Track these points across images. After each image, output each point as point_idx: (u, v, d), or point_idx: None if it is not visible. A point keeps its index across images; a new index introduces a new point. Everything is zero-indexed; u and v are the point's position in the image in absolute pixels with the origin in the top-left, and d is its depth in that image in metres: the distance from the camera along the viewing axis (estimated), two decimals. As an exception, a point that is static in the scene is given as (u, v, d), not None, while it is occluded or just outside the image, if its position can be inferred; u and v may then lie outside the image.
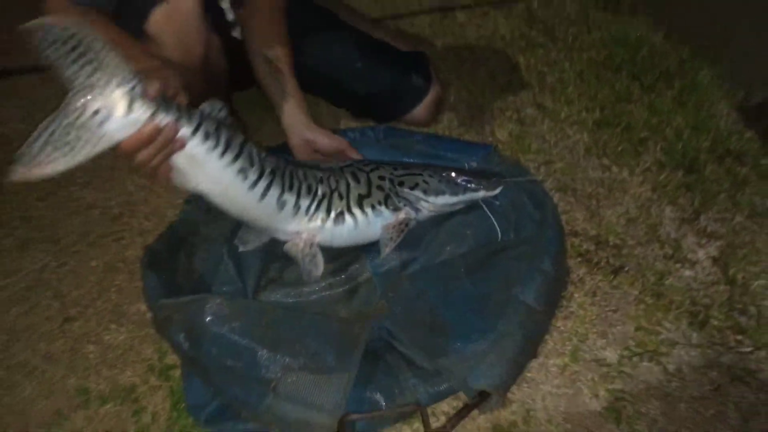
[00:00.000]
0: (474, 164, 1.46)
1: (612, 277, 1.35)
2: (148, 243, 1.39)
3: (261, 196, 1.09)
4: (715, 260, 1.41)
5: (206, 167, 0.99)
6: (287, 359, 1.01)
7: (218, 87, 1.42)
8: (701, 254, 1.42)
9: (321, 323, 1.11)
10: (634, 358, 1.19)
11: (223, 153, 1.00)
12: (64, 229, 1.54)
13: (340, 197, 1.22)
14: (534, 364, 1.18)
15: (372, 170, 1.29)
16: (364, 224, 1.25)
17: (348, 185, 1.24)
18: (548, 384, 1.14)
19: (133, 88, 0.87)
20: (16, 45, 2.23)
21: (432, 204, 1.29)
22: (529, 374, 1.16)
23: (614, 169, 1.62)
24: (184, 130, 0.95)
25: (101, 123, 0.87)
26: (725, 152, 1.67)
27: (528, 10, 2.19)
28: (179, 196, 1.57)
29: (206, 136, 0.97)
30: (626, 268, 1.37)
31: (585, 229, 1.46)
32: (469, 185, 1.29)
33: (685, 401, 1.12)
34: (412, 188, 1.27)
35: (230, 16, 1.40)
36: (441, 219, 1.35)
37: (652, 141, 1.69)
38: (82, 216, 1.58)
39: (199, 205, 1.41)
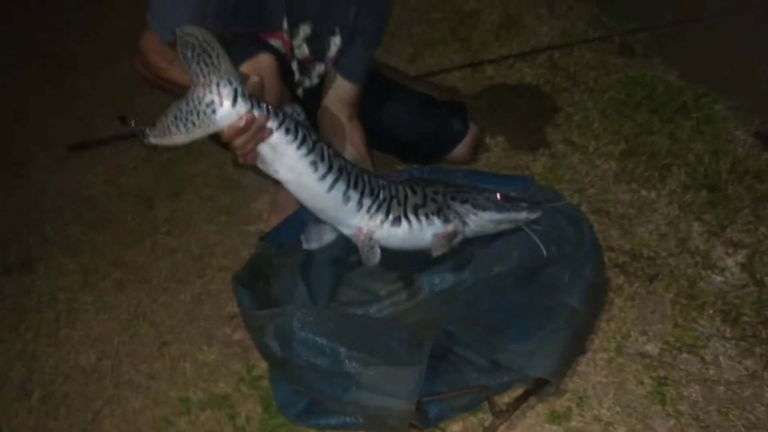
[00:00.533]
0: (514, 194, 1.62)
1: (648, 283, 1.48)
2: (228, 277, 1.57)
3: (329, 187, 1.26)
4: (743, 266, 1.53)
5: (285, 156, 1.21)
6: (365, 355, 1.17)
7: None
8: (729, 262, 1.55)
9: (391, 327, 1.27)
10: (674, 351, 1.31)
11: (300, 146, 1.21)
12: (154, 271, 1.75)
13: (399, 203, 1.37)
14: (582, 359, 1.31)
15: (428, 185, 1.43)
16: (417, 230, 1.38)
17: (406, 195, 1.38)
18: (597, 375, 1.27)
19: (237, 87, 1.12)
20: (94, 120, 2.54)
21: (479, 218, 1.42)
22: (579, 368, 1.29)
23: (642, 192, 1.78)
24: (271, 123, 1.17)
25: (213, 111, 1.12)
26: (744, 172, 1.81)
27: (550, 60, 2.40)
28: (252, 237, 1.77)
29: (287, 131, 1.19)
30: (660, 276, 1.51)
31: (620, 245, 1.61)
32: (513, 206, 1.44)
33: (723, 385, 1.23)
34: (462, 202, 1.41)
35: (297, 75, 1.63)
36: (487, 241, 1.52)
37: (675, 166, 1.85)
38: (168, 259, 1.79)
39: (272, 242, 1.61)
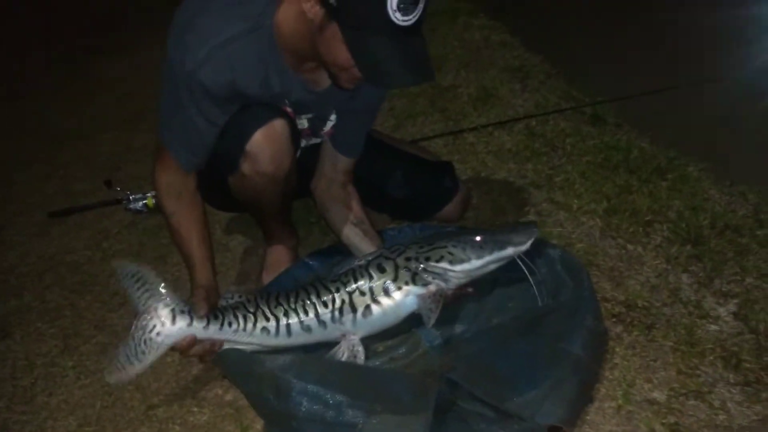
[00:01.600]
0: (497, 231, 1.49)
1: (647, 332, 1.49)
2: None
3: (287, 334, 1.34)
4: (735, 315, 1.55)
5: (239, 341, 1.32)
6: (369, 404, 1.13)
7: (290, 196, 1.65)
8: (722, 311, 1.57)
9: (394, 375, 1.23)
10: (681, 397, 1.29)
11: (245, 326, 1.31)
12: (138, 333, 1.68)
13: (362, 293, 1.35)
14: (590, 408, 1.28)
15: (399, 254, 1.39)
16: (394, 308, 1.36)
17: (371, 278, 1.36)
18: (608, 424, 1.24)
19: (174, 307, 1.25)
20: (77, 188, 2.52)
21: (461, 272, 1.36)
22: (588, 417, 1.26)
23: (629, 246, 1.81)
24: (213, 328, 1.29)
25: (157, 334, 1.24)
26: (724, 227, 1.87)
27: (528, 128, 2.50)
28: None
29: (229, 324, 1.30)
30: (657, 325, 1.51)
31: (614, 296, 1.62)
32: (496, 245, 1.36)
33: (736, 430, 1.21)
34: (438, 260, 1.35)
35: (301, 126, 1.65)
36: (483, 293, 1.51)
37: (657, 222, 1.90)
38: (154, 321, 1.72)
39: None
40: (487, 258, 1.36)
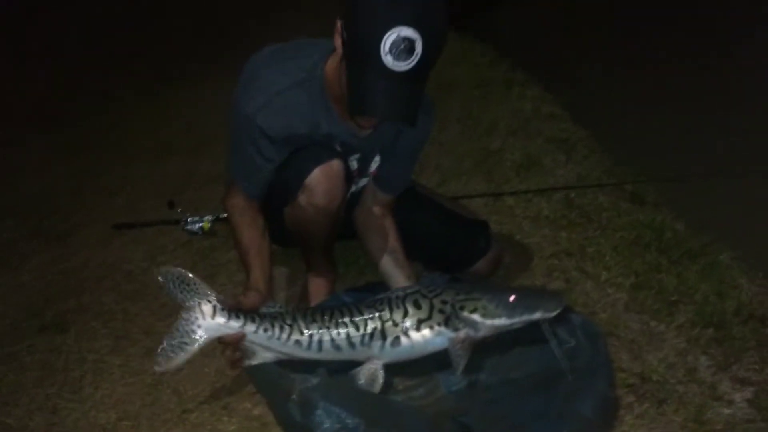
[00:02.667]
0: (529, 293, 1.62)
1: (657, 406, 1.54)
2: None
3: (318, 349, 1.44)
4: (750, 402, 1.59)
5: (272, 348, 1.43)
6: (385, 431, 1.22)
7: (336, 231, 1.79)
8: (737, 396, 1.61)
9: (412, 411, 1.33)
10: (686, 470, 1.34)
11: (279, 335, 1.42)
12: (181, 343, 1.82)
13: (395, 324, 1.46)
14: (593, 469, 1.34)
15: (435, 296, 1.50)
16: (422, 344, 1.47)
17: (406, 312, 1.47)
18: (608, 486, 1.30)
19: (216, 304, 1.37)
20: (141, 206, 2.73)
21: (490, 326, 1.46)
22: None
23: (652, 323, 1.87)
24: (249, 329, 1.40)
25: (198, 326, 1.37)
26: (749, 316, 1.91)
27: (566, 198, 2.61)
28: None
29: (265, 330, 1.41)
30: (669, 401, 1.57)
31: (630, 367, 1.68)
32: (526, 309, 1.46)
33: None
34: (471, 312, 1.46)
35: (352, 167, 1.77)
36: (505, 348, 1.60)
37: (682, 303, 1.96)
38: (196, 334, 1.87)
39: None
40: (516, 319, 1.46)
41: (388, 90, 1.31)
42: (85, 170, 3.08)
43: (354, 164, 1.75)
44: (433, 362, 1.55)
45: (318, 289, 1.92)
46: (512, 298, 1.48)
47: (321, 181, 1.58)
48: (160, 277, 1.37)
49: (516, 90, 4.28)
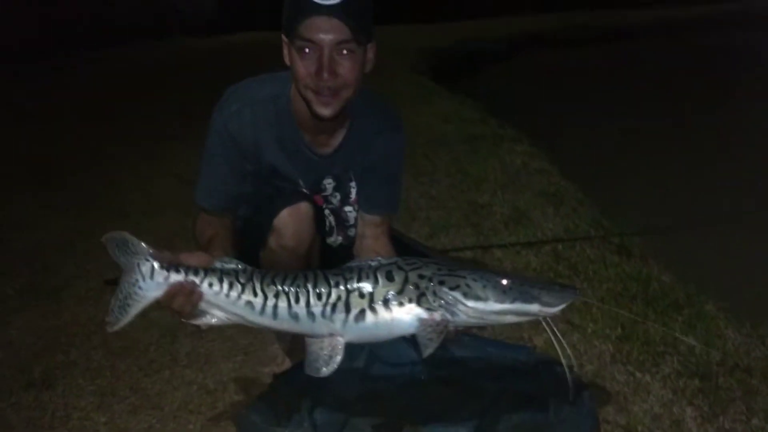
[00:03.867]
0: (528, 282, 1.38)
1: (643, 458, 1.53)
2: (240, 412, 1.64)
3: (273, 316, 1.33)
4: (737, 453, 1.59)
5: (220, 305, 1.34)
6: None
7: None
8: (724, 448, 1.61)
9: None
10: None
11: (228, 292, 1.32)
12: (168, 399, 1.82)
13: (361, 296, 1.30)
14: None
15: (414, 269, 1.33)
16: (388, 322, 1.31)
17: (375, 283, 1.31)
18: None
19: (153, 262, 1.32)
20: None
21: (471, 309, 1.28)
22: None
23: (637, 374, 1.88)
24: (195, 282, 1.32)
25: (140, 288, 1.33)
26: (735, 366, 1.92)
27: (554, 251, 2.65)
28: (266, 378, 1.86)
29: (210, 285, 1.32)
30: (655, 453, 1.56)
31: (615, 419, 1.68)
32: (521, 296, 1.27)
33: None
34: (452, 289, 1.28)
35: (328, 223, 1.81)
36: (490, 399, 1.60)
37: (668, 354, 1.97)
38: (183, 389, 1.87)
39: (285, 383, 1.70)
40: (507, 305, 1.29)
41: (321, 13, 1.39)
42: (77, 227, 3.11)
43: (337, 197, 1.76)
44: (421, 414, 1.53)
45: (302, 344, 1.92)
46: (505, 282, 1.30)
47: (288, 222, 1.62)
48: (103, 241, 1.33)
49: (505, 146, 4.41)
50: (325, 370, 1.34)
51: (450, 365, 1.70)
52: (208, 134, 1.64)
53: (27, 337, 2.20)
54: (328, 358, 1.33)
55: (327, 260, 1.79)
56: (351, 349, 1.79)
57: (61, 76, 8.68)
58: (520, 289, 1.29)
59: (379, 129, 1.70)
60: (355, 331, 1.33)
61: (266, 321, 1.34)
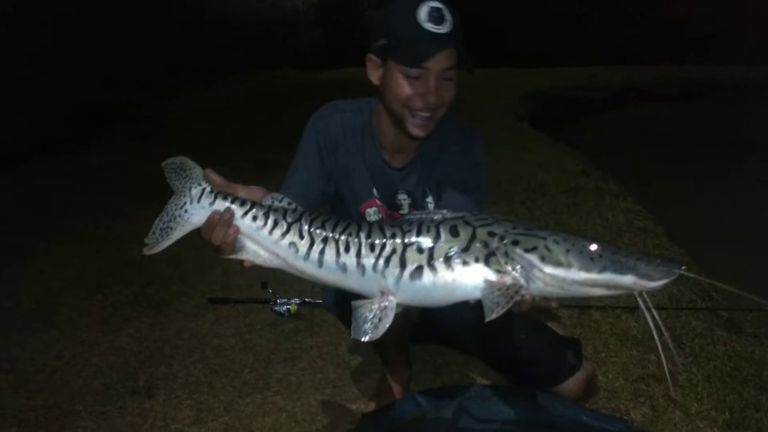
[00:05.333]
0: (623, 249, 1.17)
1: None
2: None
3: (318, 263, 1.23)
4: None
5: (261, 242, 1.26)
6: None
7: (409, 329, 1.82)
8: None
9: None
10: None
11: (272, 230, 1.24)
12: (258, 423, 1.89)
13: (419, 251, 1.18)
14: None
15: (483, 225, 1.18)
16: (449, 283, 1.17)
17: (437, 238, 1.17)
18: None
19: (205, 187, 1.29)
20: (236, 281, 2.89)
21: (550, 276, 1.12)
22: None
23: (747, 467, 1.74)
24: (237, 214, 1.26)
25: (185, 211, 1.30)
26: None
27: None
28: (353, 415, 1.87)
29: (254, 218, 1.25)
30: None
31: None
32: (612, 265, 1.10)
33: None
34: (528, 251, 1.12)
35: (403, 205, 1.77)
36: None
37: (784, 450, 1.81)
38: (273, 415, 1.92)
39: (373, 422, 1.71)
40: (594, 275, 1.12)
41: (437, 42, 1.45)
42: (186, 241, 3.30)
43: (405, 204, 1.75)
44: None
45: (391, 386, 1.93)
46: (594, 247, 1.11)
47: None
48: (163, 165, 1.32)
49: (608, 200, 4.26)
50: (372, 335, 1.21)
51: (541, 430, 1.65)
52: (301, 136, 1.71)
53: (135, 346, 2.35)
54: (377, 321, 1.20)
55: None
56: (439, 399, 1.80)
57: (178, 101, 9.33)
58: (612, 258, 1.11)
59: (453, 141, 1.72)
60: (408, 291, 1.19)
61: (310, 268, 1.24)
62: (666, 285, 1.11)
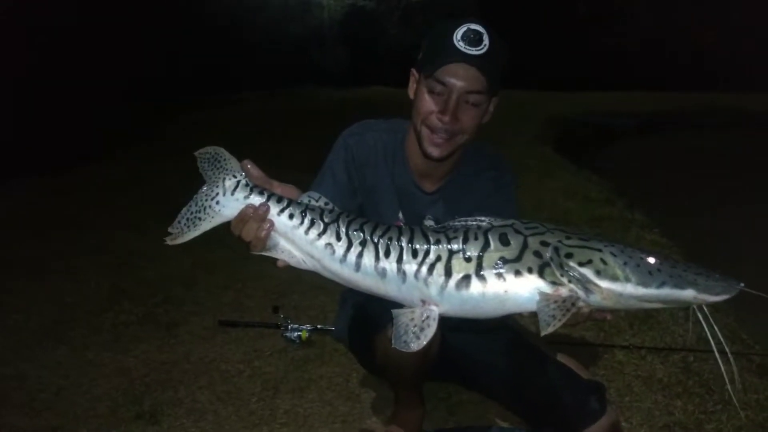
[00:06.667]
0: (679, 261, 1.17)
1: None
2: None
3: (355, 267, 1.18)
4: None
5: (296, 242, 1.21)
6: None
7: (427, 369, 1.74)
8: None
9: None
10: None
11: (308, 229, 1.20)
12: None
13: (467, 259, 1.13)
14: None
15: (535, 234, 1.14)
16: (500, 294, 1.12)
17: (486, 246, 1.13)
18: None
19: (240, 180, 1.23)
20: (247, 303, 2.84)
21: (606, 290, 1.08)
22: None
23: None
24: (273, 210, 1.21)
25: (217, 202, 1.23)
26: None
27: (684, 362, 2.39)
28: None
29: (290, 216, 1.21)
30: None
31: None
32: (672, 279, 1.07)
33: None
34: (581, 264, 1.08)
35: None
36: None
37: None
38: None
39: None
40: (653, 290, 1.09)
41: (464, 60, 1.43)
42: (202, 262, 3.27)
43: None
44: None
45: (403, 425, 1.85)
46: (653, 260, 1.08)
47: None
48: (196, 155, 1.27)
49: (634, 232, 4.15)
50: (414, 345, 1.15)
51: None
52: (331, 150, 1.68)
53: (142, 368, 2.30)
54: (419, 331, 1.14)
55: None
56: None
57: (200, 116, 9.41)
58: (671, 272, 1.08)
59: (482, 168, 1.69)
60: (455, 301, 1.14)
61: (346, 272, 1.19)
62: (726, 300, 1.10)
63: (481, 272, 1.12)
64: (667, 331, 2.66)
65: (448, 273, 1.13)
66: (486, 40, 1.44)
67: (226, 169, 1.24)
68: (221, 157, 1.25)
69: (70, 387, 2.20)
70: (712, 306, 1.17)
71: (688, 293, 1.09)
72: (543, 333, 1.08)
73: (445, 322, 1.19)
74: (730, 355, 1.17)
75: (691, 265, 1.12)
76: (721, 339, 1.11)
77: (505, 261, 1.11)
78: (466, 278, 1.13)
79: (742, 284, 1.09)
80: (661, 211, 5.02)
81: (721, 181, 6.80)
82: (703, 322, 1.11)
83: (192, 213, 1.25)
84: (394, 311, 1.20)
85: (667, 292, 1.08)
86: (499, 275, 1.12)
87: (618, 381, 2.26)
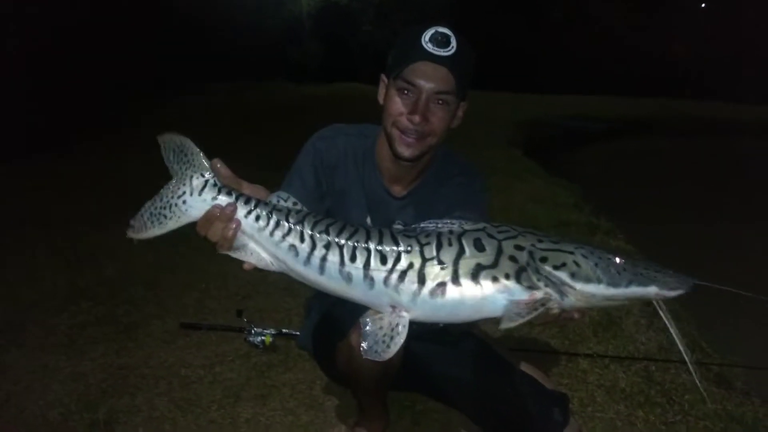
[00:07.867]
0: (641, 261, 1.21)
1: None
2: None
3: (319, 270, 1.17)
4: None
5: (261, 243, 1.20)
6: None
7: (389, 378, 1.72)
8: None
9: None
10: None
11: (273, 231, 1.18)
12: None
13: (442, 266, 1.12)
14: None
15: (507, 238, 1.14)
16: (477, 300, 1.12)
17: (462, 252, 1.12)
18: None
19: (206, 179, 1.20)
20: (210, 305, 2.77)
21: (580, 293, 1.12)
22: None
23: None
24: (240, 211, 1.19)
25: (184, 202, 1.20)
26: None
27: (646, 371, 2.42)
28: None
29: (257, 218, 1.19)
30: None
31: None
32: (637, 278, 1.12)
33: None
34: (556, 268, 1.11)
35: None
36: None
37: None
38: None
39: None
40: (622, 290, 1.13)
41: (432, 61, 1.44)
42: (165, 261, 3.19)
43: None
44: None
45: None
46: (619, 260, 1.13)
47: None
48: (159, 141, 1.22)
49: (599, 238, 4.19)
50: (385, 354, 1.16)
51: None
52: (299, 153, 1.66)
53: (98, 372, 2.22)
54: (389, 340, 1.14)
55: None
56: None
57: (167, 110, 9.21)
58: (635, 270, 1.13)
59: (452, 174, 1.69)
60: (428, 308, 1.13)
61: (311, 274, 1.18)
62: (682, 294, 1.16)
63: (458, 279, 1.11)
64: (630, 340, 2.69)
65: (421, 280, 1.12)
66: (454, 43, 1.46)
67: (194, 165, 1.20)
68: (188, 149, 1.21)
69: (21, 392, 2.11)
70: (674, 316, 1.21)
71: (651, 290, 1.14)
72: (502, 326, 1.10)
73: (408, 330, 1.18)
74: (688, 352, 1.22)
75: (649, 264, 1.16)
76: (676, 333, 1.18)
77: (481, 267, 1.11)
78: (442, 285, 1.12)
79: (695, 279, 1.16)
80: (627, 217, 5.09)
81: (687, 185, 6.95)
82: (663, 316, 1.17)
83: (157, 209, 1.21)
84: (362, 319, 1.18)
85: (634, 290, 1.13)
86: (476, 281, 1.11)
87: (581, 391, 2.27)
